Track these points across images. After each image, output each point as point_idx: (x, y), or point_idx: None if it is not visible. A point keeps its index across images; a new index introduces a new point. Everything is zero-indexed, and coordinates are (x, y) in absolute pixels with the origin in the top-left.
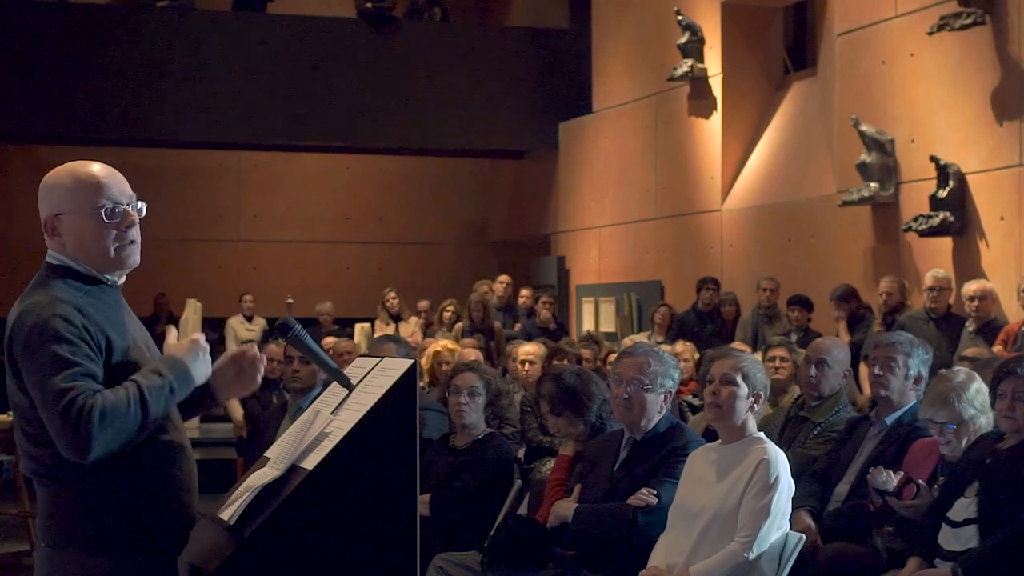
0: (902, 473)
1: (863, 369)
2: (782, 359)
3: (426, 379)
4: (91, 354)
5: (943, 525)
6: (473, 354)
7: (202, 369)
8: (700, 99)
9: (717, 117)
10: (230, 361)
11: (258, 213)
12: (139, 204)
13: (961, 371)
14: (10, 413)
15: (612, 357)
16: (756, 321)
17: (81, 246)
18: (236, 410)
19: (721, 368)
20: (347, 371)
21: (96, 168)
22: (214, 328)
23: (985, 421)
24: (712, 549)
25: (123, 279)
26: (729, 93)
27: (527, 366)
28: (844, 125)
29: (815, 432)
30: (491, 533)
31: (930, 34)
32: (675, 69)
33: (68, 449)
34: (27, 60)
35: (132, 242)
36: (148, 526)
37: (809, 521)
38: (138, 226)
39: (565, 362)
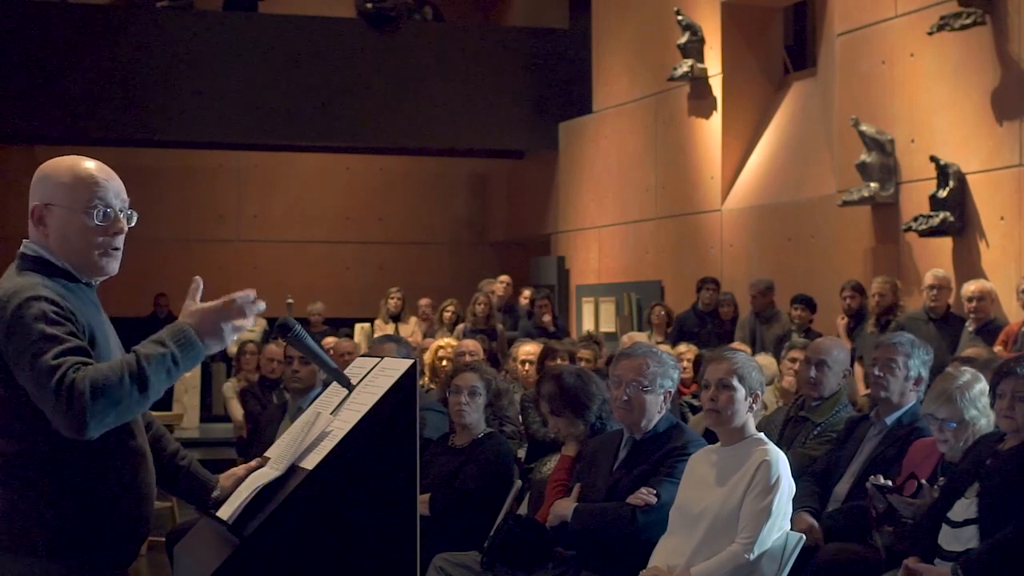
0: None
1: (858, 370)
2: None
3: (427, 376)
4: (78, 334)
5: (943, 525)
6: (471, 344)
7: (219, 340)
8: (700, 99)
9: (717, 117)
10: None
11: (258, 213)
12: (131, 213)
13: (967, 371)
14: None
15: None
16: (754, 321)
17: (64, 242)
18: (236, 410)
19: (716, 373)
20: (347, 371)
21: (95, 167)
22: None
23: (985, 423)
24: (713, 551)
25: (99, 281)
26: (729, 93)
27: (527, 366)
28: (844, 125)
29: (815, 432)
30: (491, 533)
31: (930, 34)
32: (675, 69)
33: (66, 425)
34: (25, 60)
35: (116, 249)
36: (106, 535)
37: (811, 521)
38: (124, 235)
39: (558, 361)
